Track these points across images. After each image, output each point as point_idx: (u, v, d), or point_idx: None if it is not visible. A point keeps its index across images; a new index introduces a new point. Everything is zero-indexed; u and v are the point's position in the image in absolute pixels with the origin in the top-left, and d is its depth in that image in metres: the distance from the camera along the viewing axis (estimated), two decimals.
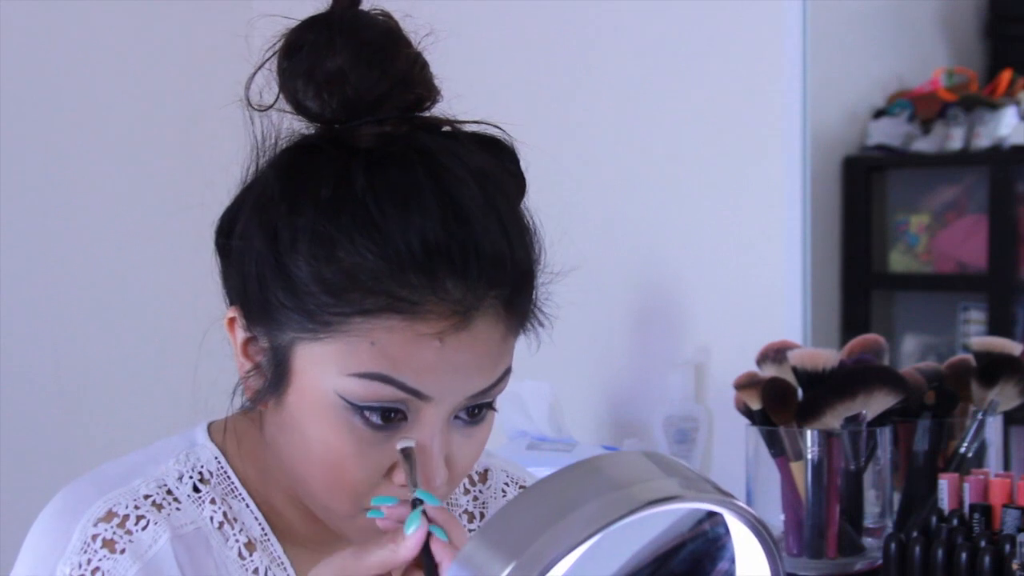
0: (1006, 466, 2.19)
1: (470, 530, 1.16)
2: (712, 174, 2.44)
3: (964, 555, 1.70)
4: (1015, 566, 1.67)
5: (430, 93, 1.05)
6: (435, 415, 1.00)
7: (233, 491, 1.10)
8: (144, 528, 1.05)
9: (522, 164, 1.08)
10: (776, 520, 1.99)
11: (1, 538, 1.50)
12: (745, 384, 2.00)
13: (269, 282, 1.00)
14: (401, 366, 0.98)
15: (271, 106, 1.05)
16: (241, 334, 1.04)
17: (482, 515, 1.21)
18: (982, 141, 2.51)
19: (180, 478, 1.09)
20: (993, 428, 2.02)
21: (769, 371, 2.00)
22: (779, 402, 1.95)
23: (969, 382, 2.02)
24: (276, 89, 1.04)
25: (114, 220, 2.66)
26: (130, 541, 1.05)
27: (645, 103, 2.51)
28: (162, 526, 1.06)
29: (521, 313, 1.03)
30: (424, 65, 1.05)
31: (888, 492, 2.01)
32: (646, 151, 2.51)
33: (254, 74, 1.05)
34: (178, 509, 1.08)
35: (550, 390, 2.31)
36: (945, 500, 1.85)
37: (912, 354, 2.53)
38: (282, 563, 1.10)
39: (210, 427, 1.13)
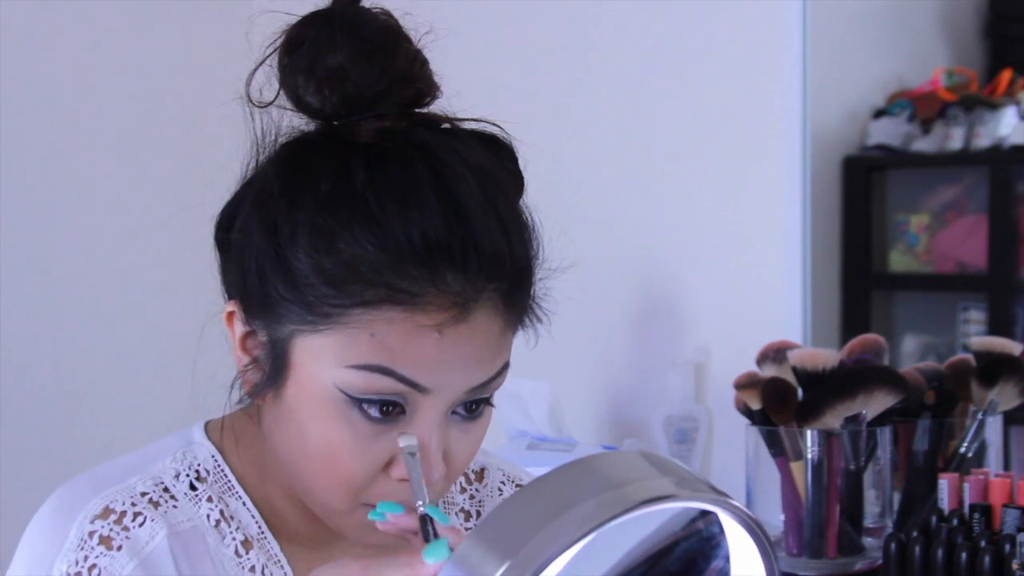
0: (1006, 466, 2.19)
1: (466, 529, 1.17)
2: (712, 174, 2.44)
3: (964, 555, 1.70)
4: (1015, 566, 1.67)
5: (430, 89, 1.05)
6: (433, 409, 1.00)
7: (230, 489, 1.10)
8: (141, 525, 1.06)
9: (521, 163, 1.08)
10: (776, 520, 1.99)
11: (1, 537, 1.50)
12: (745, 384, 2.00)
13: (269, 275, 1.01)
14: (400, 358, 0.98)
15: (271, 102, 1.05)
16: (240, 328, 1.05)
17: (478, 513, 1.21)
18: (982, 141, 2.51)
19: (177, 476, 1.09)
20: (993, 428, 2.02)
21: (769, 371, 2.00)
22: (779, 402, 1.95)
23: (969, 382, 2.02)
24: (276, 86, 1.05)
25: (113, 219, 2.66)
26: (127, 538, 1.05)
27: (645, 103, 2.51)
28: (159, 523, 1.06)
29: (520, 308, 1.04)
30: (424, 62, 1.05)
31: (888, 492, 2.01)
32: (646, 151, 2.51)
33: (255, 70, 1.05)
34: (175, 507, 1.08)
35: (550, 390, 2.31)
36: (945, 500, 1.85)
37: (912, 354, 2.53)
38: (279, 561, 1.10)
39: (207, 426, 1.14)
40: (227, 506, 1.10)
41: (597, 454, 0.81)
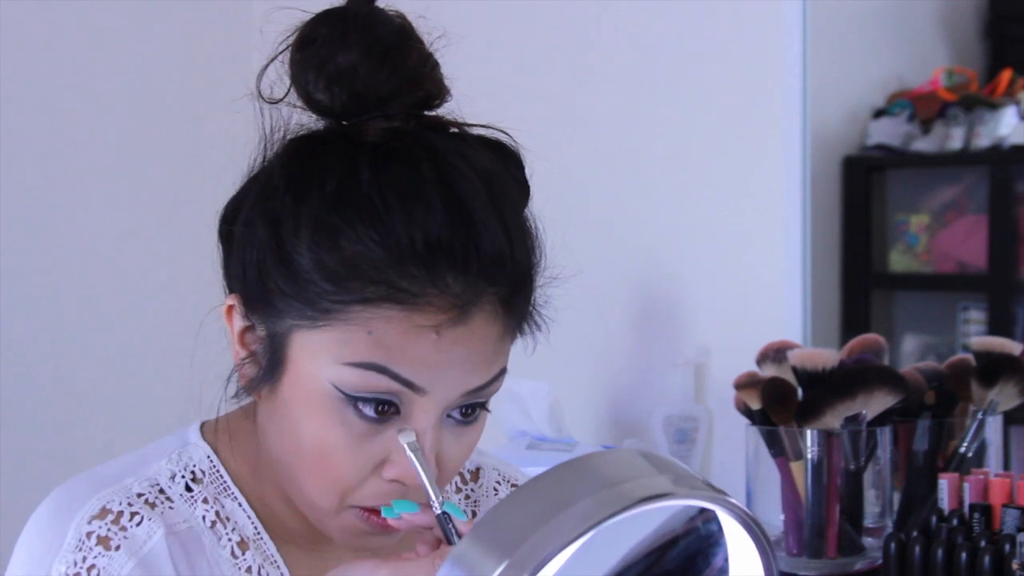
0: (1006, 466, 2.19)
1: None
2: (712, 174, 2.44)
3: (964, 555, 1.70)
4: (1015, 566, 1.67)
5: (439, 92, 1.06)
6: (428, 410, 1.00)
7: (226, 490, 1.10)
8: (139, 524, 1.05)
9: (527, 170, 1.09)
10: (776, 520, 1.98)
11: (0, 537, 1.50)
12: (745, 384, 2.00)
13: (270, 269, 1.01)
14: (397, 356, 0.98)
15: (281, 99, 1.05)
16: (239, 322, 1.05)
17: (474, 513, 1.21)
18: (982, 141, 2.51)
19: (172, 477, 1.09)
20: (993, 428, 2.02)
21: (769, 371, 2.00)
22: (779, 402, 1.95)
23: (969, 382, 2.02)
24: (287, 82, 1.05)
25: (113, 218, 2.66)
26: (125, 538, 1.05)
27: (645, 103, 2.51)
28: (156, 522, 1.06)
29: (519, 314, 1.04)
30: (435, 64, 1.05)
31: (888, 492, 2.01)
32: (646, 151, 2.51)
33: (267, 65, 1.05)
34: (171, 508, 1.08)
35: (550, 390, 2.31)
36: (945, 500, 1.85)
37: (912, 354, 2.53)
38: (275, 561, 1.10)
39: (203, 426, 1.14)
40: (223, 507, 1.09)
41: (594, 452, 0.81)
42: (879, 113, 2.60)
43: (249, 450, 1.11)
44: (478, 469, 1.23)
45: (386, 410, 1.00)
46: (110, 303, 2.65)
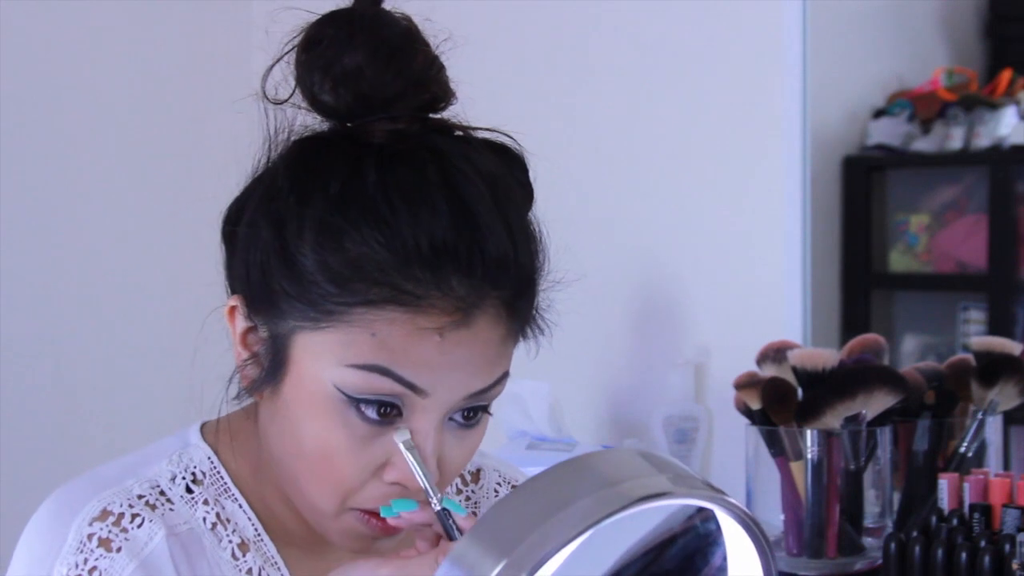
0: (1006, 466, 2.19)
1: None
2: (712, 174, 2.44)
3: (964, 555, 1.70)
4: (1015, 566, 1.67)
5: (445, 94, 1.06)
6: (430, 413, 1.00)
7: (226, 491, 1.10)
8: (140, 526, 1.05)
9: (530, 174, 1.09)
10: (776, 520, 1.98)
11: (0, 537, 1.50)
12: (745, 384, 2.00)
13: (273, 270, 1.01)
14: (400, 359, 0.98)
15: (286, 100, 1.05)
16: (241, 323, 1.05)
17: (475, 515, 1.20)
18: (982, 141, 2.51)
19: (173, 479, 1.09)
20: (993, 428, 2.02)
21: (769, 371, 2.00)
22: (779, 402, 1.95)
23: (969, 382, 2.02)
24: (290, 84, 1.05)
25: (113, 218, 2.66)
26: (126, 539, 1.05)
27: (645, 103, 2.51)
28: (157, 524, 1.06)
29: (522, 317, 1.04)
30: (440, 67, 1.05)
31: (888, 492, 2.01)
32: (646, 151, 2.51)
33: (272, 66, 1.05)
34: (171, 509, 1.08)
35: (550, 390, 2.31)
36: (945, 500, 1.85)
37: (912, 354, 2.53)
38: (276, 563, 1.10)
39: (203, 427, 1.13)
40: (223, 508, 1.09)
41: (593, 452, 0.81)
42: (879, 113, 2.60)
43: (250, 451, 1.10)
44: (479, 470, 1.23)
45: (388, 412, 1.00)
46: (111, 303, 2.65)
